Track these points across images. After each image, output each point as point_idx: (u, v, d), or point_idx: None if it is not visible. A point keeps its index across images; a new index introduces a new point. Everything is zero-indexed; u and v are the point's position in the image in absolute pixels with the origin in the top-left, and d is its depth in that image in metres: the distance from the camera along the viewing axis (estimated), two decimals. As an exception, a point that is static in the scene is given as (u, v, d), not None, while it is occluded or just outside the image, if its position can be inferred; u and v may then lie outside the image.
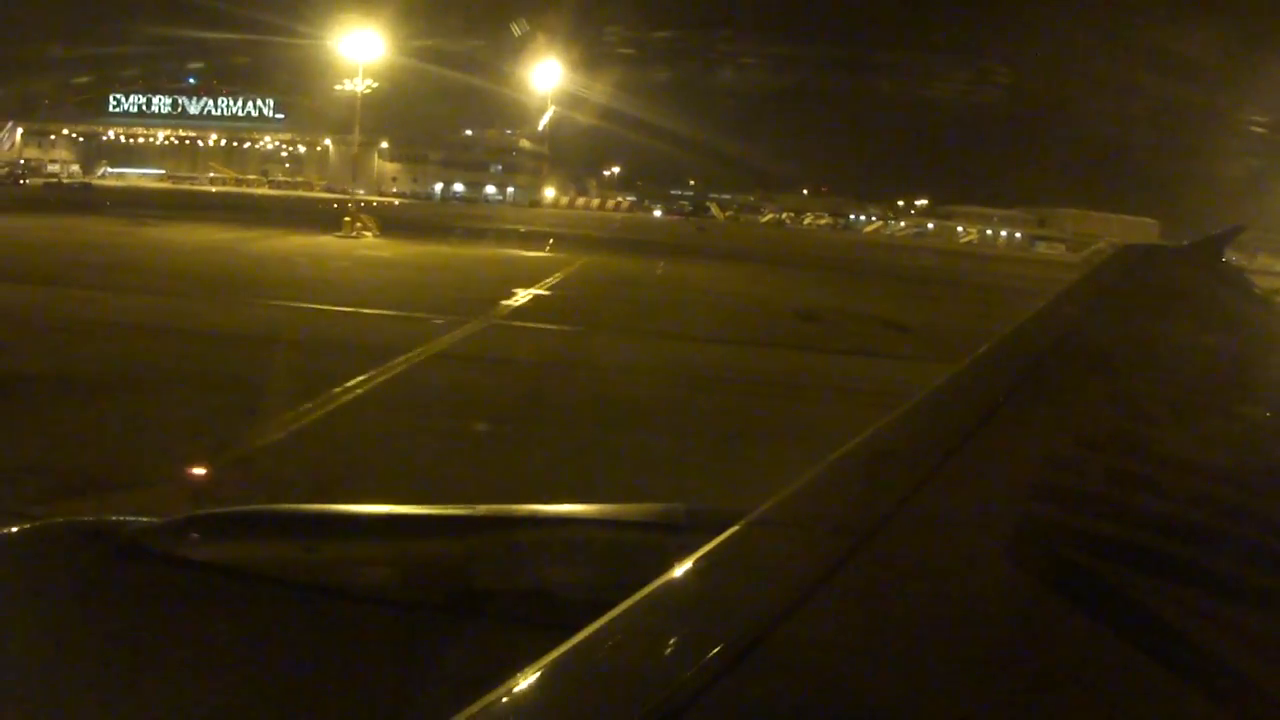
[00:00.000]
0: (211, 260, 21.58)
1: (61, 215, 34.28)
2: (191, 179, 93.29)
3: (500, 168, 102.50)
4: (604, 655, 0.79)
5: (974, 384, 1.57)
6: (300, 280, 18.72)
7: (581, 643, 0.78)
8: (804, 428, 8.86)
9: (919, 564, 0.97)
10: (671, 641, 0.82)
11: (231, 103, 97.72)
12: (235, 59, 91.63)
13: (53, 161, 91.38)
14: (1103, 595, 0.93)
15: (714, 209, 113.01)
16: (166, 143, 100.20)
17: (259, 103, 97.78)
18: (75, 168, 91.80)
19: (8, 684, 1.19)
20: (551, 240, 37.44)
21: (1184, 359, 1.78)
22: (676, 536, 1.45)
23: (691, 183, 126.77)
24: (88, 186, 69.22)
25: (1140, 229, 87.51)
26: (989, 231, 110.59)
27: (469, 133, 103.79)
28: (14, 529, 1.48)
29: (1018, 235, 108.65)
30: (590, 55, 78.74)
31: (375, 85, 44.40)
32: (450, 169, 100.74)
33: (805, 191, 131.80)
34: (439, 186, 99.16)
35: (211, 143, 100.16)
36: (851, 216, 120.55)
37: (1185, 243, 2.93)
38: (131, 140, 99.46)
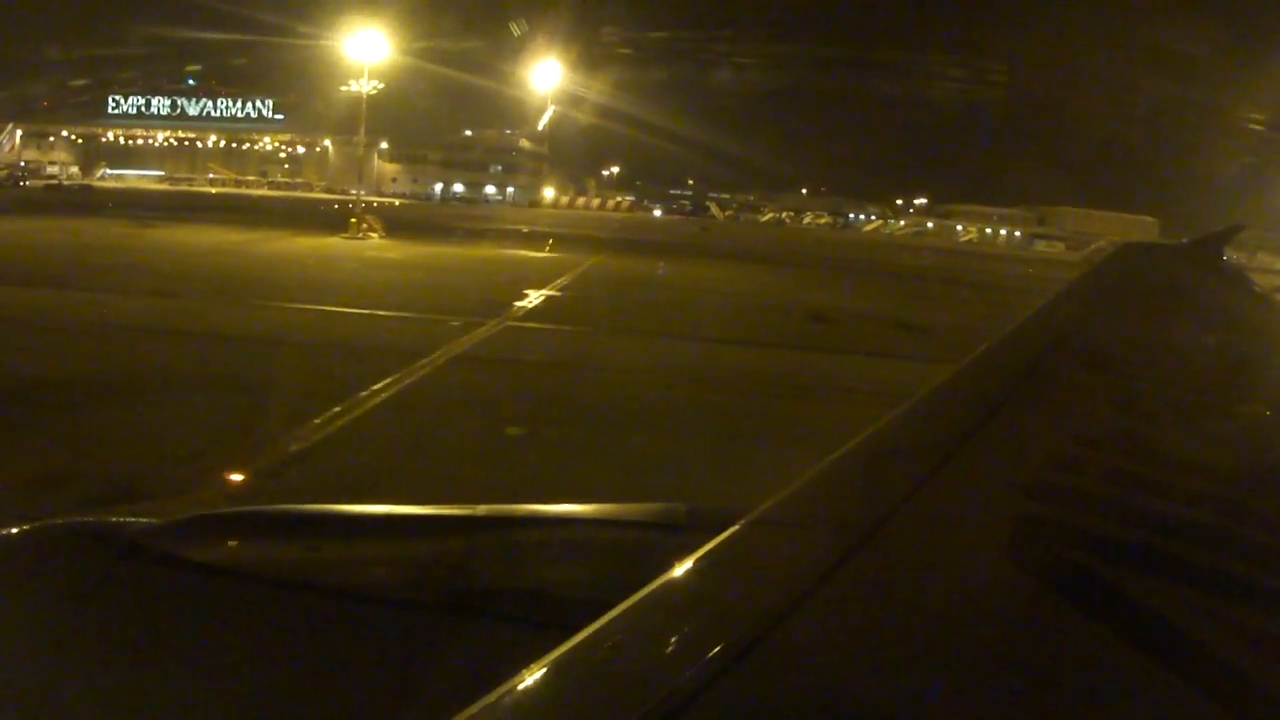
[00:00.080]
0: (222, 262, 21.58)
1: (65, 217, 34.23)
2: (189, 180, 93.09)
3: (500, 168, 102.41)
4: (604, 655, 0.79)
5: (974, 384, 1.57)
6: (312, 282, 18.71)
7: (581, 643, 0.78)
8: (830, 430, 8.88)
9: (919, 564, 0.97)
10: (671, 641, 0.82)
11: (230, 104, 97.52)
12: (234, 60, 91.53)
13: (52, 163, 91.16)
14: (1102, 594, 0.93)
15: (714, 208, 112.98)
16: (165, 144, 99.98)
17: (258, 104, 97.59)
18: (74, 169, 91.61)
19: (8, 684, 1.18)
20: (556, 241, 37.46)
21: (1184, 358, 1.78)
22: (676, 536, 1.44)
23: (690, 182, 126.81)
24: (88, 188, 69.11)
25: (1140, 228, 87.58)
26: (988, 230, 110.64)
27: (468, 133, 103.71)
28: (14, 529, 1.47)
29: (1017, 234, 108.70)
30: (589, 55, 78.75)
31: (381, 86, 44.35)
32: (450, 169, 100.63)
33: (804, 191, 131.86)
34: (439, 187, 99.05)
35: (210, 144, 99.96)
36: (851, 216, 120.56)
37: (1185, 241, 2.93)
38: (130, 142, 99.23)
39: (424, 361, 10.74)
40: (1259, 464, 1.34)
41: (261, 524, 1.66)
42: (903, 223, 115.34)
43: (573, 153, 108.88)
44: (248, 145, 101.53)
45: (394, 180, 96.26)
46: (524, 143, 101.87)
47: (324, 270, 21.40)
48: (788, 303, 21.56)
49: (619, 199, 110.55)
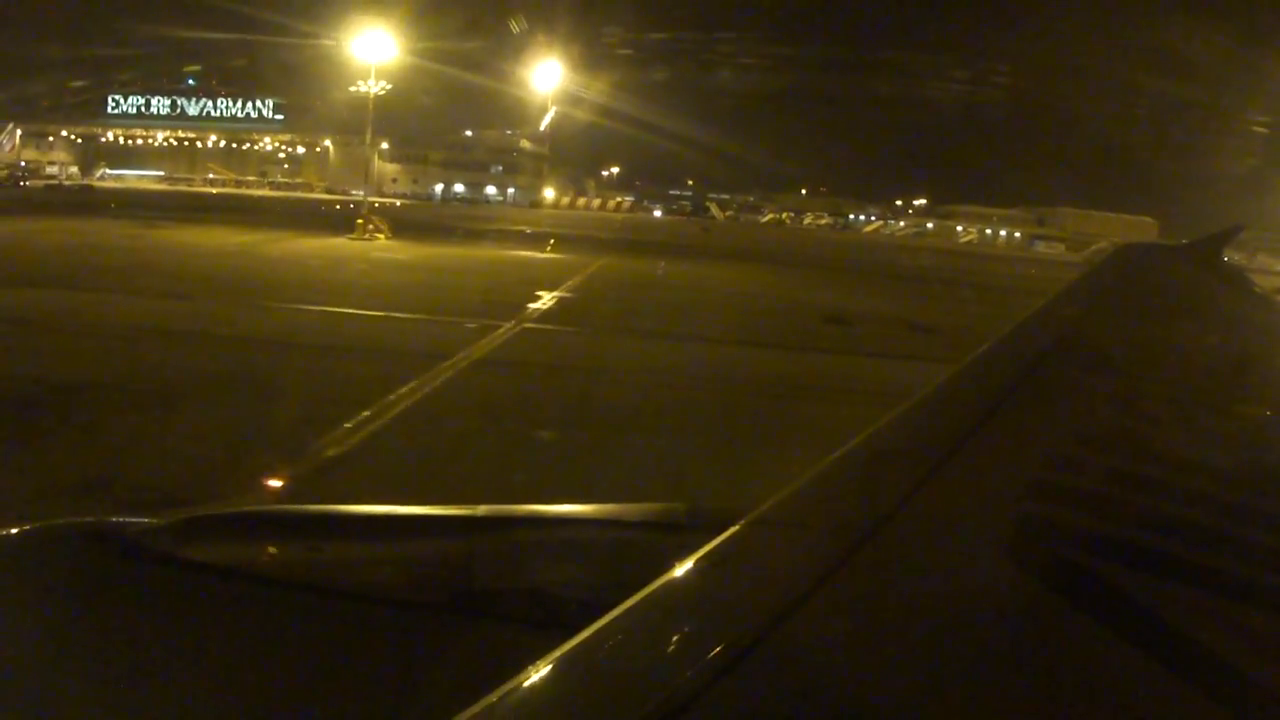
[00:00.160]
0: (232, 264, 21.55)
1: (68, 218, 34.16)
2: (188, 180, 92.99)
3: (501, 168, 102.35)
4: (604, 655, 0.79)
5: (974, 383, 1.56)
6: (324, 284, 18.68)
7: (582, 643, 0.78)
8: (859, 432, 8.83)
9: (919, 564, 0.97)
10: (672, 641, 0.82)
11: (230, 104, 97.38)
12: (234, 60, 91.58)
13: (51, 163, 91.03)
14: (1103, 595, 0.93)
15: (714, 209, 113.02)
16: (165, 144, 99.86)
17: (258, 104, 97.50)
18: (74, 169, 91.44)
19: (8, 684, 1.18)
20: (560, 242, 37.44)
21: (1184, 358, 1.77)
22: (676, 536, 1.45)
23: (690, 183, 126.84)
24: (88, 188, 69.01)
25: (1139, 228, 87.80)
26: (988, 231, 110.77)
27: (469, 133, 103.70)
28: (14, 529, 1.47)
29: (1017, 235, 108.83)
30: (589, 55, 78.80)
31: (389, 87, 44.29)
32: (450, 170, 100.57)
33: (804, 191, 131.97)
34: (439, 187, 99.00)
35: (210, 144, 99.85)
36: (851, 216, 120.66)
37: (1184, 242, 2.92)
38: (130, 142, 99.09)
39: (446, 364, 10.70)
40: (1259, 464, 1.33)
41: (261, 524, 1.65)
42: (903, 223, 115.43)
43: (573, 153, 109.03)
44: (248, 145, 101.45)
45: (394, 181, 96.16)
46: (525, 143, 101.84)
47: (334, 272, 21.35)
48: (800, 304, 21.56)
49: (619, 199, 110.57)
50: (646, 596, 0.85)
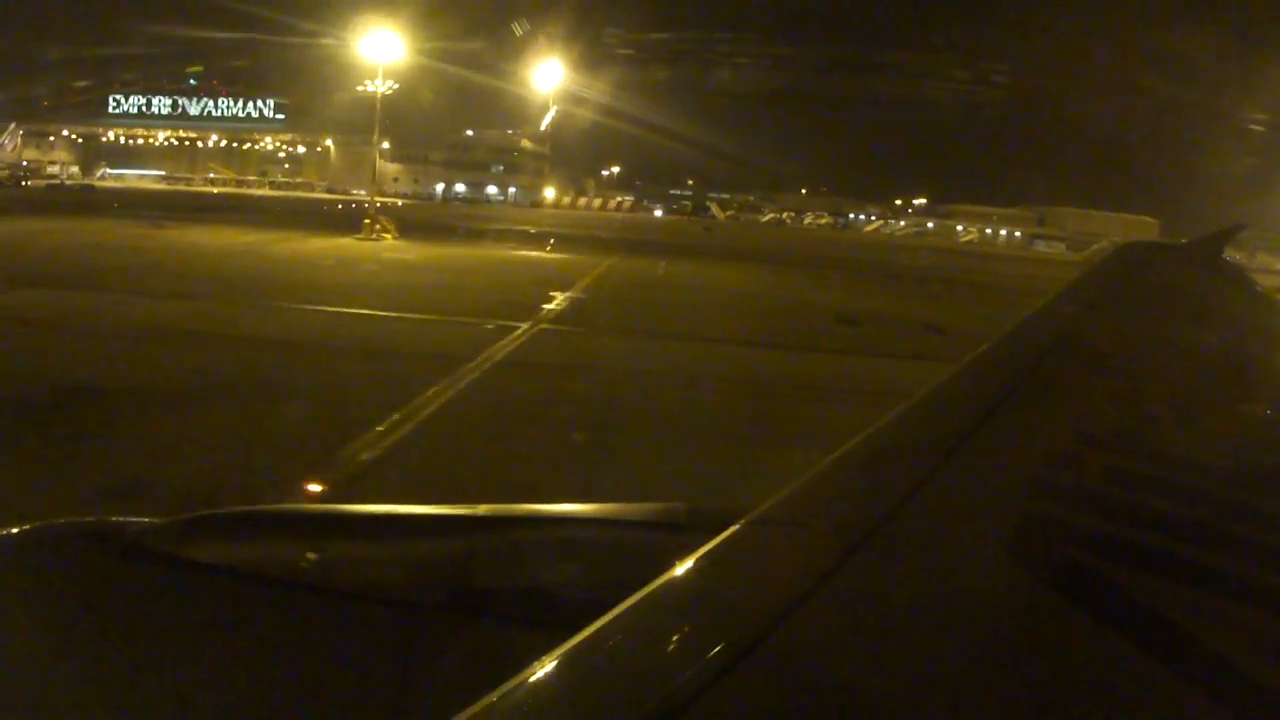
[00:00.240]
0: (242, 264, 21.54)
1: (73, 218, 34.13)
2: (187, 180, 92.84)
3: (501, 168, 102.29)
4: (604, 655, 0.79)
5: (974, 383, 1.56)
6: (337, 284, 18.68)
7: (582, 642, 0.78)
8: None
9: (919, 563, 0.97)
10: (672, 640, 0.82)
11: (231, 103, 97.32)
12: (235, 60, 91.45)
13: (52, 163, 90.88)
14: (1103, 594, 0.93)
15: (714, 208, 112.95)
16: (166, 144, 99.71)
17: (259, 103, 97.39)
18: (74, 169, 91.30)
19: (8, 684, 1.18)
20: (566, 242, 37.46)
21: (1184, 357, 1.77)
22: (676, 536, 1.45)
23: (690, 182, 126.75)
24: (89, 188, 68.97)
25: (1139, 228, 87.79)
26: (988, 230, 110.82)
27: (470, 133, 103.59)
28: (14, 529, 1.47)
29: (1017, 234, 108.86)
30: (590, 55, 78.77)
31: (396, 86, 44.16)
32: (451, 169, 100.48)
33: (804, 190, 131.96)
34: (440, 187, 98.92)
35: (211, 144, 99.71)
36: (851, 216, 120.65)
37: (1184, 241, 2.92)
38: (131, 141, 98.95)
39: (470, 366, 10.69)
40: (1259, 464, 1.33)
41: (262, 524, 1.65)
42: (903, 223, 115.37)
43: (573, 152, 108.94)
44: (248, 145, 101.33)
45: (395, 180, 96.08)
46: (526, 143, 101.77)
47: (346, 272, 21.34)
48: (810, 305, 21.57)
49: (620, 199, 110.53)
50: (646, 596, 0.85)
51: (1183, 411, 1.52)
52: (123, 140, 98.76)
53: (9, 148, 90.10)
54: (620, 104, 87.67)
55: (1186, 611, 0.90)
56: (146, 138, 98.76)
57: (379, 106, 40.27)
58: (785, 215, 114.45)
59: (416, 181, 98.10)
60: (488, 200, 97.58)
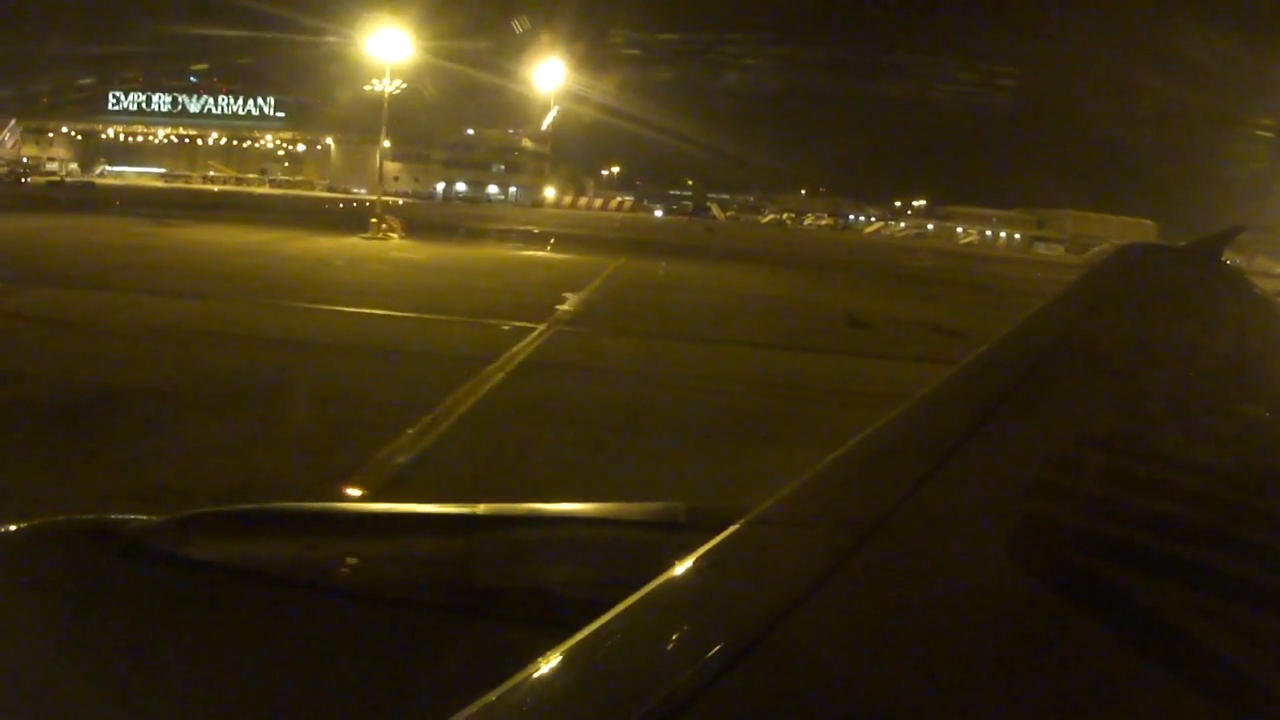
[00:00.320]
0: (252, 263, 21.47)
1: (76, 215, 34.03)
2: (186, 177, 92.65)
3: (502, 167, 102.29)
4: (604, 654, 0.79)
5: (974, 383, 1.56)
6: (350, 284, 18.62)
7: (582, 641, 0.78)
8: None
9: (919, 563, 0.97)
10: (672, 640, 0.82)
11: (232, 101, 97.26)
12: (236, 57, 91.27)
13: (51, 160, 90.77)
14: (1103, 594, 0.93)
15: (714, 209, 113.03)
16: (165, 141, 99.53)
17: (259, 101, 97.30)
18: (74, 166, 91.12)
19: (8, 683, 1.18)
20: (571, 242, 37.46)
21: (1184, 358, 1.77)
22: (676, 535, 1.46)
23: (689, 182, 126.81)
24: (89, 185, 68.86)
25: (1138, 230, 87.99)
26: (988, 232, 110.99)
27: (471, 132, 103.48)
28: (14, 527, 1.47)
29: (1016, 236, 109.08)
30: (590, 55, 78.69)
31: (404, 85, 44.14)
32: (452, 168, 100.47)
33: (803, 191, 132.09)
34: (440, 186, 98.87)
35: (211, 141, 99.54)
36: (851, 217, 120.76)
37: (1183, 243, 2.93)
38: (130, 139, 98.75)
39: (493, 367, 10.65)
40: (1259, 464, 1.33)
41: (261, 522, 1.65)
42: (903, 225, 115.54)
43: (574, 152, 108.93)
44: (248, 143, 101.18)
45: (395, 179, 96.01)
46: (526, 142, 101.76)
47: (357, 272, 21.28)
48: (821, 307, 21.57)
49: (620, 199, 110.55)
50: (646, 595, 0.85)
51: (1182, 412, 1.52)
52: (122, 137, 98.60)
53: (9, 144, 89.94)
54: (620, 104, 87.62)
55: (1186, 611, 0.90)
56: (146, 135, 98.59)
57: (386, 106, 40.23)
58: (785, 216, 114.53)
59: (417, 180, 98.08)
60: (488, 199, 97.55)
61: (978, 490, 1.14)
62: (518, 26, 65.57)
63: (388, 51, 40.49)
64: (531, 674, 0.74)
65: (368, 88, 42.75)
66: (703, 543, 0.97)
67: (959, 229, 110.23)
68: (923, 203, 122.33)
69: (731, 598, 0.91)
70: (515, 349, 11.97)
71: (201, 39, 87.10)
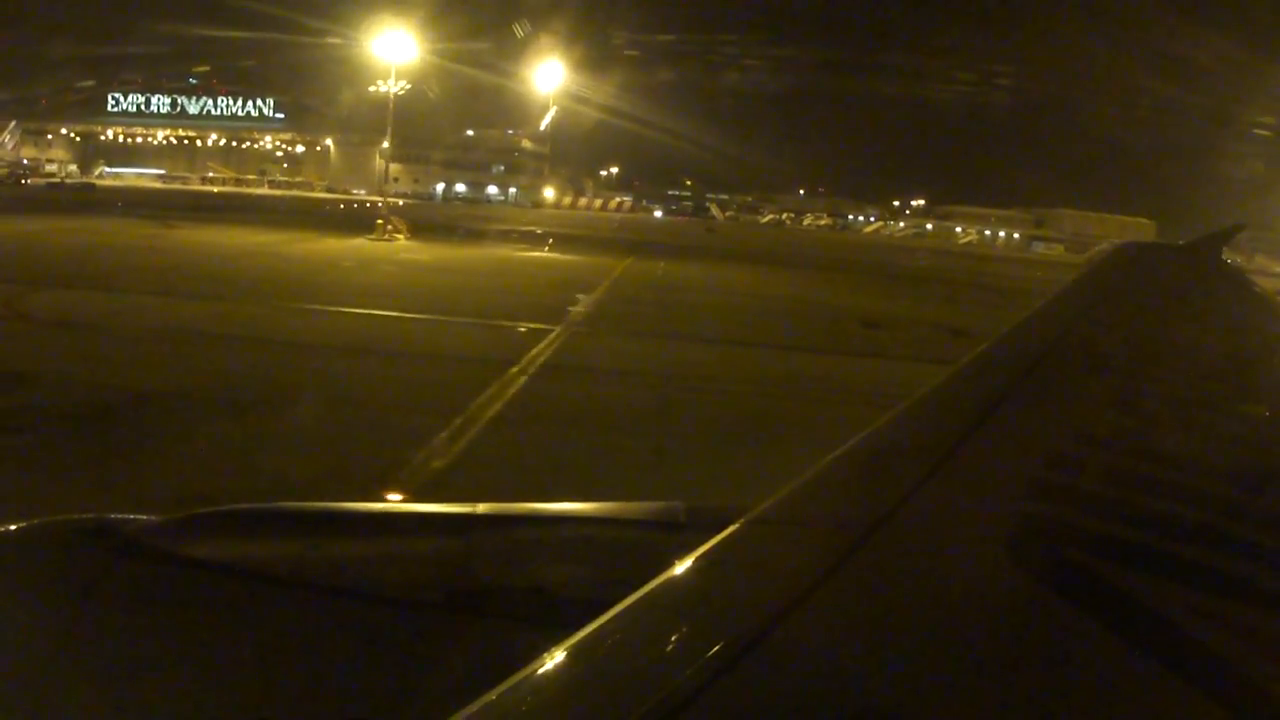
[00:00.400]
0: (262, 265, 21.51)
1: (79, 217, 33.98)
2: (184, 179, 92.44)
3: (502, 168, 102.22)
4: (604, 653, 0.79)
5: (974, 383, 1.57)
6: (362, 286, 18.61)
7: (581, 641, 0.78)
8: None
9: (919, 563, 0.97)
10: (671, 640, 0.82)
11: (231, 102, 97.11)
12: (235, 59, 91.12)
13: (50, 161, 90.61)
14: (1102, 594, 0.93)
15: (714, 209, 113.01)
16: (164, 142, 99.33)
17: (258, 102, 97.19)
18: (73, 167, 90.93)
19: (8, 683, 1.18)
20: (575, 243, 37.53)
21: (1184, 357, 1.77)
22: (676, 535, 1.46)
23: (688, 183, 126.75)
24: (89, 186, 68.75)
25: (1137, 229, 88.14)
26: (986, 232, 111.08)
27: (470, 133, 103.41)
28: (13, 527, 1.46)
29: (1015, 236, 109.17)
30: (590, 56, 78.67)
31: (408, 87, 44.07)
32: (452, 169, 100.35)
33: (801, 191, 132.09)
34: (440, 186, 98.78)
35: (210, 143, 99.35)
36: (850, 217, 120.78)
37: (1182, 242, 2.93)
38: (129, 140, 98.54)
39: (515, 370, 10.65)
40: (1259, 464, 1.33)
41: (261, 522, 1.65)
42: (902, 224, 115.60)
43: (573, 152, 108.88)
44: (247, 144, 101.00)
45: (395, 180, 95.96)
46: (526, 143, 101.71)
47: (367, 274, 21.28)
48: (831, 307, 21.62)
49: (620, 200, 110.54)
50: (646, 595, 0.85)
51: (1182, 411, 1.52)
52: (121, 139, 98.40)
53: (9, 146, 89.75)
54: (619, 104, 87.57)
55: (1186, 611, 0.90)
56: (145, 136, 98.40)
57: (392, 107, 40.18)
58: (785, 216, 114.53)
59: (416, 181, 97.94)
60: (488, 200, 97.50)
61: (977, 490, 1.14)
62: (517, 28, 65.57)
63: (391, 53, 40.42)
64: (531, 674, 0.74)
65: (372, 89, 42.74)
66: (703, 543, 0.96)
67: (958, 229, 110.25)
68: (921, 202, 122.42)
69: (731, 598, 0.91)
70: (534, 351, 11.97)
71: (201, 40, 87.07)
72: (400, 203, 69.26)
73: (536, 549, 1.59)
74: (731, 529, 0.99)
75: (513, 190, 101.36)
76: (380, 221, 32.40)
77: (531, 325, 14.27)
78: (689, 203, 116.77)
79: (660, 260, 31.95)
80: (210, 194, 73.56)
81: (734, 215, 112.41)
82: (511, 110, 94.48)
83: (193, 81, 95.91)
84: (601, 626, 0.80)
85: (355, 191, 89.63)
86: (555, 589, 1.42)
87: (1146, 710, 0.76)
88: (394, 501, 5.96)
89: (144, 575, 1.38)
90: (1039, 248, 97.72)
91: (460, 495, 6.56)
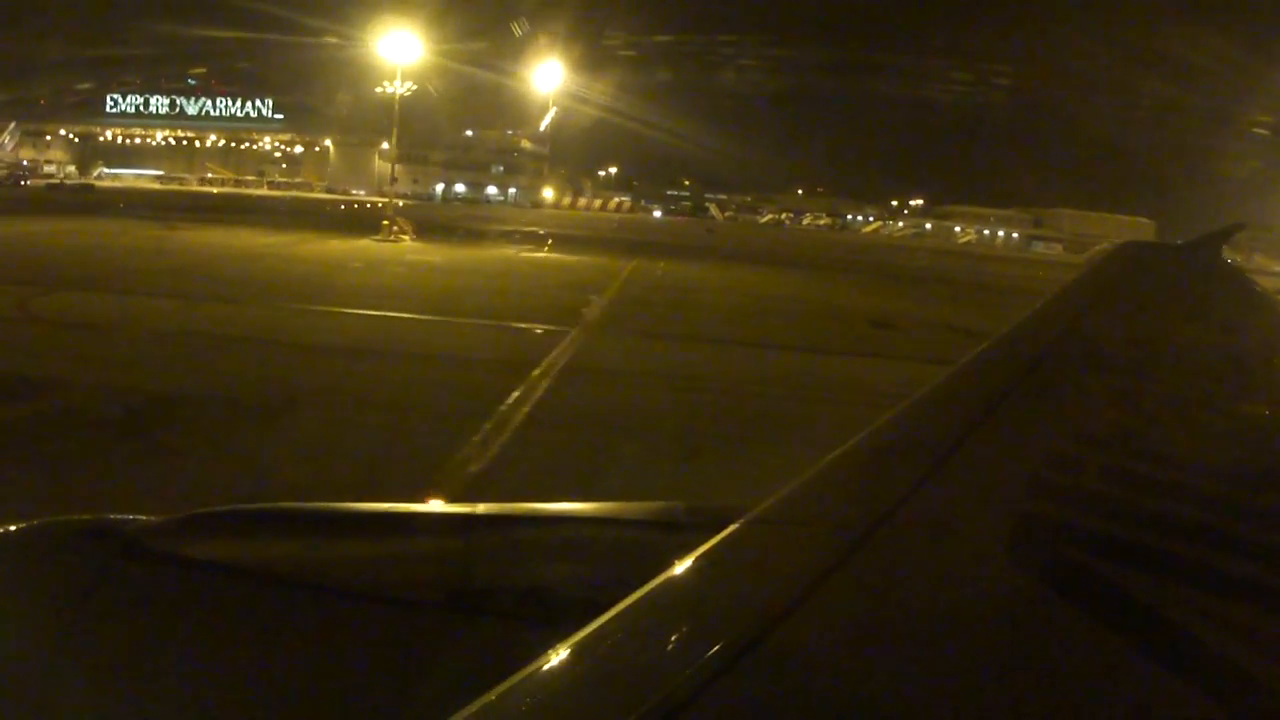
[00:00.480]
0: (270, 266, 21.46)
1: (81, 218, 33.94)
2: (182, 180, 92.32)
3: (501, 168, 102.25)
4: (603, 653, 0.79)
5: (974, 382, 1.56)
6: (373, 287, 18.57)
7: (581, 641, 0.78)
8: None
9: (919, 563, 0.97)
10: (671, 640, 0.81)
11: (230, 103, 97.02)
12: (234, 59, 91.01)
13: (49, 162, 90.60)
14: (1102, 594, 0.93)
15: (713, 209, 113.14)
16: (162, 143, 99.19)
17: (257, 103, 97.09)
18: (71, 168, 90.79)
19: (8, 683, 1.18)
20: (579, 244, 37.55)
21: (1184, 357, 1.77)
22: (676, 535, 1.45)
23: (686, 183, 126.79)
24: (89, 187, 68.72)
25: (1135, 229, 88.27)
26: (985, 232, 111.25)
27: (470, 133, 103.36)
28: (13, 528, 1.46)
29: (1014, 235, 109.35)
30: (589, 56, 78.78)
31: (414, 88, 44.00)
32: (451, 169, 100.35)
33: (800, 191, 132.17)
34: (439, 187, 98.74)
35: (209, 144, 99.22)
36: (849, 217, 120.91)
37: (1181, 241, 2.91)
38: (128, 141, 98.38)
39: (538, 372, 10.60)
40: (1259, 464, 1.32)
41: (261, 521, 1.64)
42: (901, 224, 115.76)
43: (572, 153, 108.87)
44: (245, 145, 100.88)
45: (395, 180, 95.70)
46: (525, 143, 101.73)
47: (378, 275, 21.22)
48: (840, 308, 21.62)
49: (619, 200, 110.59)
50: (645, 595, 0.85)
51: (1181, 411, 1.51)
52: (119, 140, 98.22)
53: (9, 147, 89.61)
54: (618, 104, 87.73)
55: (1186, 611, 0.90)
56: (144, 137, 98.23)
57: (397, 108, 40.14)
58: (784, 216, 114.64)
59: (416, 182, 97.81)
60: (487, 200, 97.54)
61: (977, 490, 1.13)
62: (516, 28, 65.59)
63: (394, 53, 40.37)
64: (531, 674, 0.74)
65: (379, 90, 42.65)
66: (703, 543, 0.96)
67: (956, 229, 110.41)
68: (920, 202, 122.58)
69: (731, 598, 0.91)
70: (555, 354, 11.93)
71: (199, 41, 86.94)
72: (400, 203, 69.23)
73: (536, 549, 1.59)
74: (731, 529, 0.99)
75: (512, 190, 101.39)
76: (386, 223, 32.37)
77: (547, 327, 14.24)
78: (688, 203, 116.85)
79: (666, 261, 31.88)
80: (210, 195, 73.52)
81: (733, 215, 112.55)
82: (511, 110, 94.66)
83: (191, 82, 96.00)
84: (601, 626, 0.80)
85: (355, 192, 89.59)
86: (555, 589, 1.41)
87: (1146, 710, 0.76)
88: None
89: (144, 575, 1.37)
90: (1038, 247, 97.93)
91: (502, 497, 6.54)
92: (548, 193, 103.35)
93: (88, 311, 13.91)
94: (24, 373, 9.35)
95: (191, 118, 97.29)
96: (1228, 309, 2.01)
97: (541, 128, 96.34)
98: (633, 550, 1.53)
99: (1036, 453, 1.29)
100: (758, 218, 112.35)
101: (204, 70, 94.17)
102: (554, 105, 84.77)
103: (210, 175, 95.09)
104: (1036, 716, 0.74)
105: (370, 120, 40.87)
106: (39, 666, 1.20)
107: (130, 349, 11.17)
